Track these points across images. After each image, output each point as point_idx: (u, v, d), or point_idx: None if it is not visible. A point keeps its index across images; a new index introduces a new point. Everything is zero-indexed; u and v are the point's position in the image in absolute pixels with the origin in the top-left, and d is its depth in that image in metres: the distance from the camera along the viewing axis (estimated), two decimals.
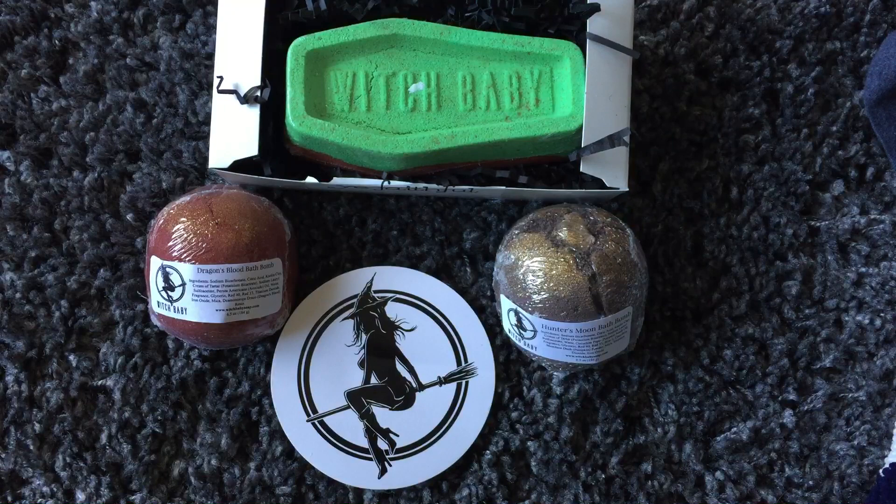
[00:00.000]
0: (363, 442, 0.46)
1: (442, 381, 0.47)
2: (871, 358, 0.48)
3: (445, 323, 0.47)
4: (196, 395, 0.47)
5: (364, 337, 0.47)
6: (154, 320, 0.44)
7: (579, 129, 0.42)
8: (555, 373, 0.47)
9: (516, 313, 0.43)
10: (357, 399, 0.46)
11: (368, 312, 0.47)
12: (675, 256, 0.48)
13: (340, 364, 0.47)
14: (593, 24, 0.43)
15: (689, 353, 0.48)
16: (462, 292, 0.48)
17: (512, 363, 0.48)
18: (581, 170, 0.43)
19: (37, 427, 0.46)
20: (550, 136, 0.42)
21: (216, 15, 0.45)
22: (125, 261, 0.47)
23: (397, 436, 0.46)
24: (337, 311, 0.47)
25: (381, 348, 0.47)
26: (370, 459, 0.46)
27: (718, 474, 0.47)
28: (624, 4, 0.43)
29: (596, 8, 0.43)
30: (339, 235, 0.48)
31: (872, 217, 0.49)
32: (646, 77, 0.49)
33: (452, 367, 0.47)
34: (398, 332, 0.47)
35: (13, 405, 0.46)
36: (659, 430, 0.47)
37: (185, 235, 0.42)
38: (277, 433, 0.47)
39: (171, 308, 0.42)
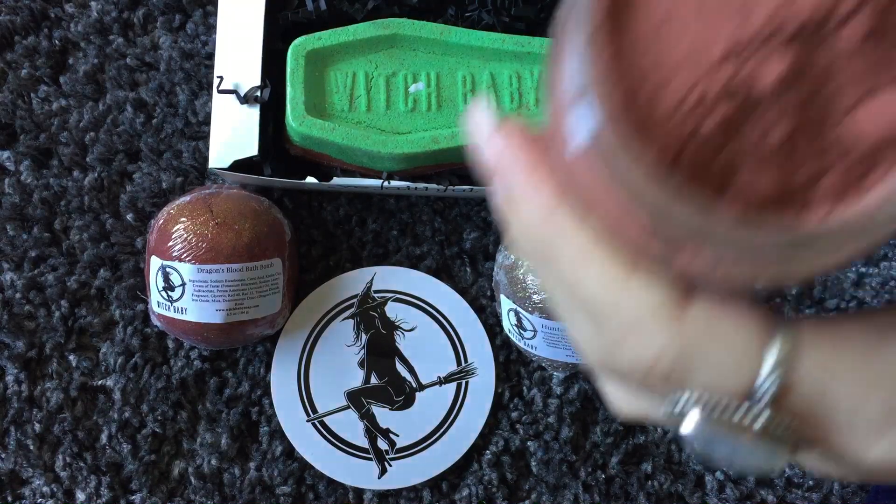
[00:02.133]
0: (363, 442, 0.46)
1: (442, 381, 0.47)
2: None
3: (445, 323, 0.47)
4: (196, 395, 0.47)
5: (364, 337, 0.47)
6: (154, 320, 0.44)
7: None
8: (555, 373, 0.47)
9: (516, 313, 0.43)
10: (357, 399, 0.46)
11: (368, 312, 0.47)
12: None
13: (340, 364, 0.47)
14: None
15: None
16: (462, 292, 0.48)
17: (512, 363, 0.48)
18: None
19: (37, 427, 0.46)
20: None
21: (216, 15, 0.45)
22: (125, 261, 0.47)
23: (397, 436, 0.46)
24: (337, 311, 0.47)
25: (381, 348, 0.47)
26: (370, 459, 0.46)
27: (718, 474, 0.47)
28: None
29: None
30: (339, 235, 0.48)
31: None
32: None
33: (452, 367, 0.47)
34: (398, 332, 0.47)
35: (13, 405, 0.46)
36: (659, 430, 0.47)
37: (185, 235, 0.42)
38: (277, 433, 0.46)
39: (171, 308, 0.42)
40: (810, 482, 0.47)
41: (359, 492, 0.47)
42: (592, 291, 0.18)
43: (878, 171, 0.16)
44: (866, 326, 0.19)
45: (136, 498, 0.46)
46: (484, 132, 0.20)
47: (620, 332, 0.18)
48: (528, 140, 0.19)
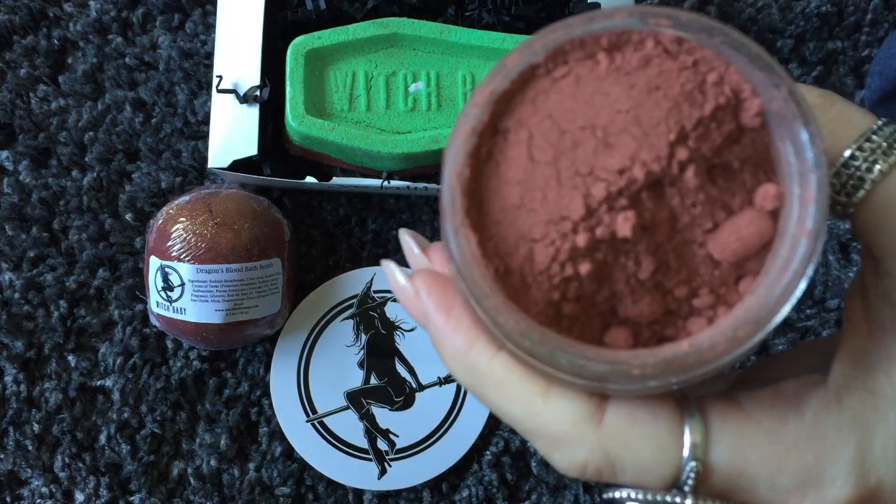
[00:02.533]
0: (363, 442, 0.46)
1: (442, 382, 0.47)
2: None
3: None
4: (195, 396, 0.47)
5: (364, 337, 0.47)
6: (153, 320, 0.44)
7: None
8: None
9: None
10: (357, 399, 0.46)
11: (368, 312, 0.47)
12: None
13: (340, 364, 0.47)
14: None
15: None
16: None
17: None
18: None
19: (36, 427, 0.46)
20: None
21: (215, 14, 0.45)
22: (124, 261, 0.47)
23: (397, 436, 0.46)
24: (337, 311, 0.47)
25: (381, 348, 0.47)
26: (370, 460, 0.46)
27: None
28: (624, 4, 0.43)
29: (596, 7, 0.43)
30: (339, 235, 0.48)
31: None
32: None
33: None
34: (398, 333, 0.47)
35: (12, 405, 0.46)
36: None
37: (185, 235, 0.41)
38: (277, 433, 0.46)
39: (171, 308, 0.42)
40: None
41: (358, 492, 0.46)
42: (514, 414, 0.20)
43: (745, 282, 0.18)
44: (777, 397, 0.20)
45: (135, 499, 0.46)
46: (399, 287, 0.22)
47: (548, 445, 0.20)
48: (439, 284, 0.21)
